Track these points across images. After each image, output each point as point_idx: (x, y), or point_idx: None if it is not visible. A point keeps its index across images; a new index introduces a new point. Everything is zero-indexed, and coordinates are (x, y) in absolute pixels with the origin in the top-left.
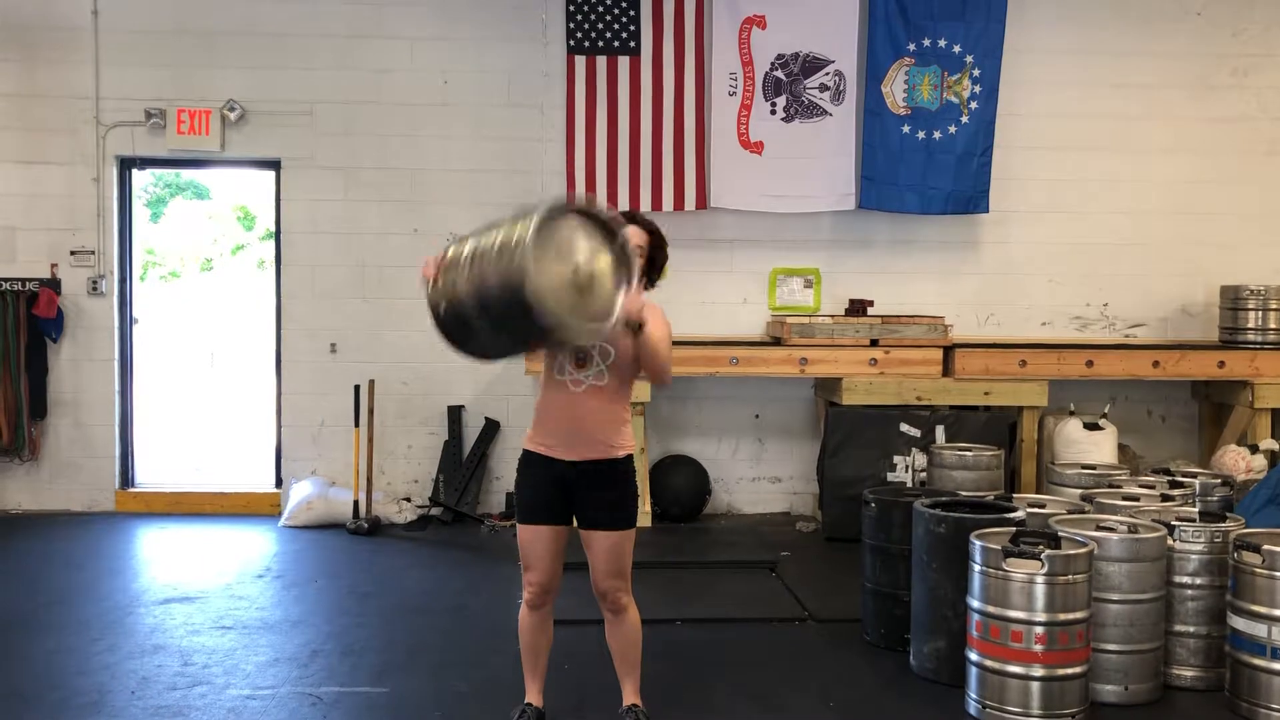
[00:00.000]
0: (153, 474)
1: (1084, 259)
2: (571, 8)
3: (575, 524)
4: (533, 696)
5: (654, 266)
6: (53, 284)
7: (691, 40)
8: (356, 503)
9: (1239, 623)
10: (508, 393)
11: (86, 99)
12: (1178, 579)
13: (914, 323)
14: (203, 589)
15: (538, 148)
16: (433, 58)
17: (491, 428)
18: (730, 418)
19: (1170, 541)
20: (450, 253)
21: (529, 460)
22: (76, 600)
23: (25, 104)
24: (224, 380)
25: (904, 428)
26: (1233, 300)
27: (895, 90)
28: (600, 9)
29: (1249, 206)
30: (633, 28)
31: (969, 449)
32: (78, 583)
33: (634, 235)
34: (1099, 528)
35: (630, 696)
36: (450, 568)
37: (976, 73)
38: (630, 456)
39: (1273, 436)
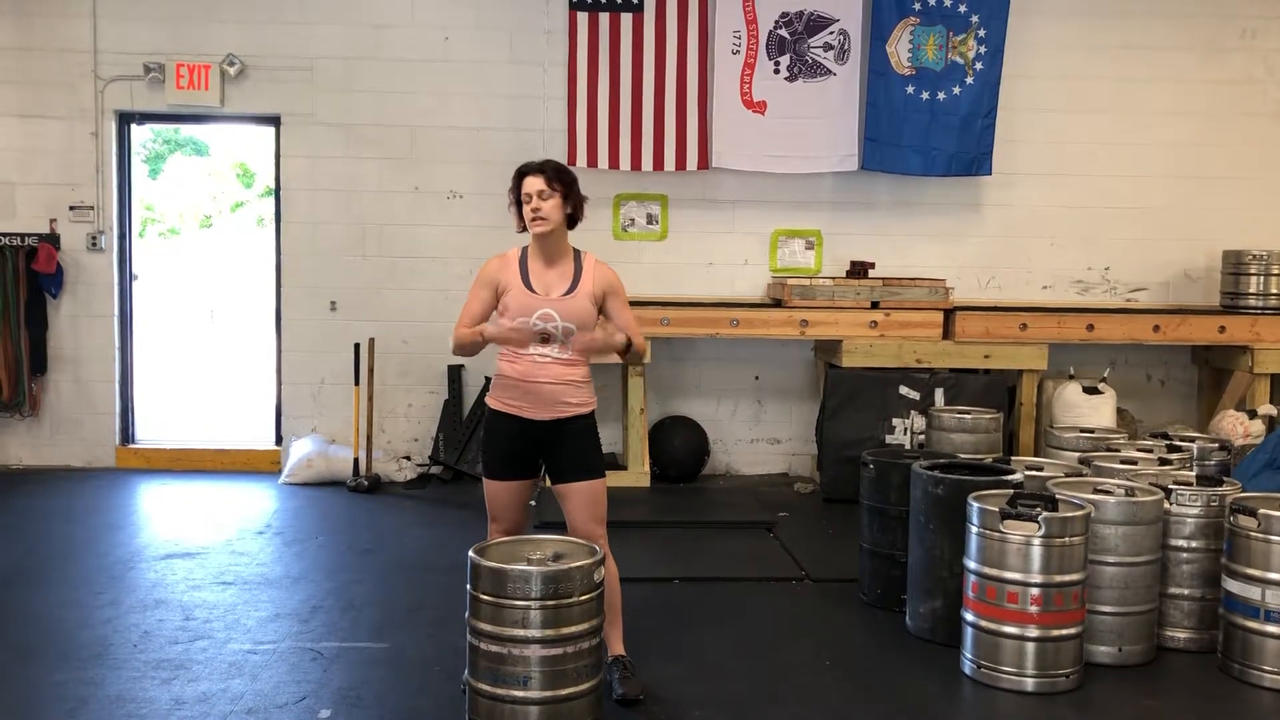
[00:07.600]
0: (153, 430)
1: (1086, 222)
2: None
3: (549, 481)
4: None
5: (574, 208)
6: (52, 239)
7: None
8: (356, 460)
9: (1233, 586)
10: None
11: (85, 53)
12: (1173, 542)
13: (915, 285)
14: (203, 545)
15: (539, 105)
16: (434, 13)
17: None
18: (730, 379)
19: (1166, 505)
20: None
21: (498, 418)
22: (78, 555)
23: (22, 57)
24: (224, 337)
25: (903, 390)
26: (1234, 265)
27: (900, 50)
28: None
29: (1253, 170)
30: None
31: (968, 412)
32: (79, 538)
33: (531, 184)
34: (1096, 491)
35: (616, 647)
36: (449, 525)
37: (982, 33)
38: (593, 411)
39: (1271, 401)
